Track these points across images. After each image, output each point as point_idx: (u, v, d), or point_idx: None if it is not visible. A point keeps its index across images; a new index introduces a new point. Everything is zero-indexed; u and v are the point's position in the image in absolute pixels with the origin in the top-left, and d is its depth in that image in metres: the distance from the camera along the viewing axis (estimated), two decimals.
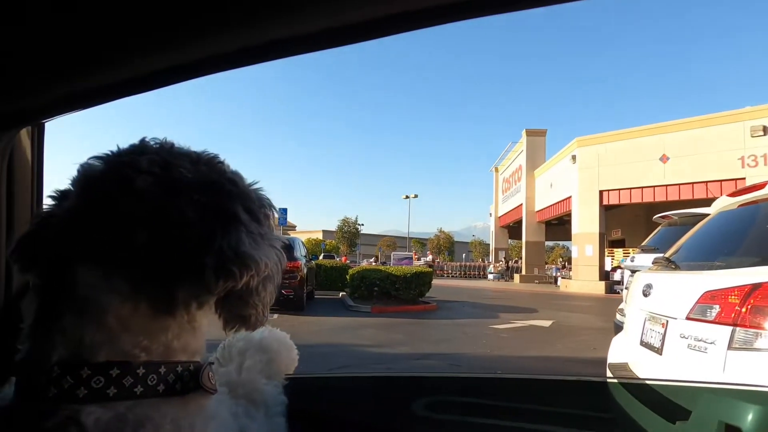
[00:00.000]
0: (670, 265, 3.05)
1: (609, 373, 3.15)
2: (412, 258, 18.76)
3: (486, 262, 40.71)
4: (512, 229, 36.56)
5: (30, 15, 0.63)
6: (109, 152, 0.64)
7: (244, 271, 0.59)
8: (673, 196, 18.76)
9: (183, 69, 0.74)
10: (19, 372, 0.60)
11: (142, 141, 0.65)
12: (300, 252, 12.03)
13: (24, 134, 1.03)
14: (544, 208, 28.01)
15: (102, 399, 0.56)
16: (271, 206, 0.68)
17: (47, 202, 0.66)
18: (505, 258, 36.89)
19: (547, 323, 10.09)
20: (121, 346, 0.58)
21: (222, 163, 0.67)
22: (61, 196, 0.64)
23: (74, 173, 0.64)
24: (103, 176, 0.60)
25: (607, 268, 21.72)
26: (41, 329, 0.59)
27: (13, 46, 0.71)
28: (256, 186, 0.68)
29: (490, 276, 32.14)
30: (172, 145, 0.66)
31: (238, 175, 0.68)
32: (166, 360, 0.62)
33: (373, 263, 24.50)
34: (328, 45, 0.68)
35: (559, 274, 27.93)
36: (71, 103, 0.86)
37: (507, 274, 33.13)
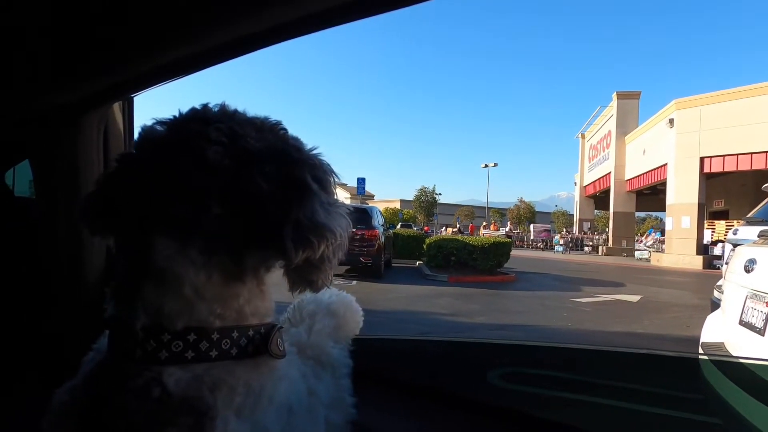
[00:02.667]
0: None
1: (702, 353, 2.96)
2: (549, 230, 18.33)
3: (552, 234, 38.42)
4: (599, 199, 34.58)
5: None
6: (172, 117, 0.66)
7: (322, 241, 0.61)
8: None
9: (259, 36, 0.77)
10: (108, 328, 0.66)
11: (205, 107, 0.67)
12: (378, 221, 12.24)
13: (116, 108, 1.14)
14: (635, 177, 26.12)
15: (181, 362, 0.60)
16: (333, 173, 0.69)
17: (113, 164, 0.68)
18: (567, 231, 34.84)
19: (635, 298, 9.56)
20: (197, 314, 0.62)
21: (285, 130, 0.68)
22: (127, 160, 0.67)
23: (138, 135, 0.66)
24: (173, 145, 0.62)
25: (707, 241, 20.00)
26: (124, 294, 0.62)
27: (105, 26, 0.77)
28: (316, 152, 0.68)
29: (558, 248, 29.79)
30: (236, 111, 0.67)
31: (300, 141, 0.69)
32: (238, 324, 0.65)
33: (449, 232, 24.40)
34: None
35: (649, 246, 26.02)
36: (156, 77, 0.92)
37: (572, 246, 30.66)
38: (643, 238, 28.63)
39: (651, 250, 24.97)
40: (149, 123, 0.66)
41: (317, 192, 0.63)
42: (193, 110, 0.66)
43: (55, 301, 1.15)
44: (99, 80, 0.94)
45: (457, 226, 36.04)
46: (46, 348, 1.15)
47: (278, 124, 0.68)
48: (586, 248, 27.38)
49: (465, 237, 13.62)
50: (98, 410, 0.59)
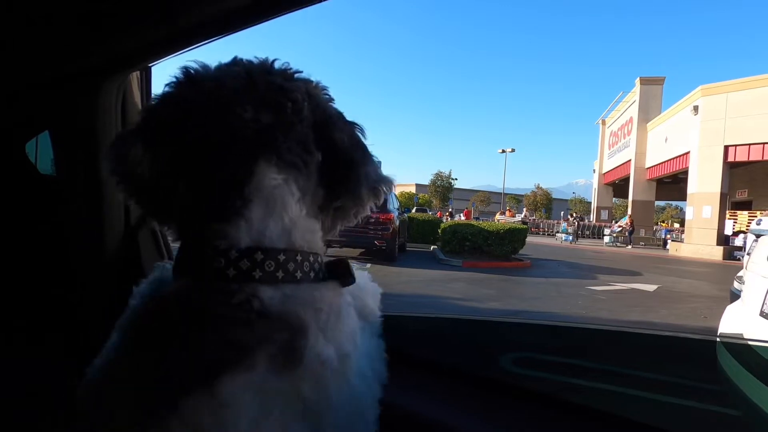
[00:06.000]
0: None
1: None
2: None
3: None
4: (618, 186, 34.06)
5: None
6: (255, 61, 0.72)
7: (385, 192, 0.76)
8: None
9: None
10: (189, 253, 0.69)
11: (270, 61, 0.72)
12: (393, 205, 12.23)
13: (134, 78, 1.14)
14: (656, 165, 25.66)
15: (273, 281, 0.64)
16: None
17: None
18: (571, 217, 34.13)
19: (651, 287, 9.45)
20: (291, 238, 0.67)
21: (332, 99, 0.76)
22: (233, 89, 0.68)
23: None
24: (271, 93, 0.68)
25: (728, 232, 19.62)
26: (224, 214, 0.65)
27: None
28: None
29: (563, 236, 26.99)
30: (298, 71, 0.73)
31: None
32: (313, 251, 0.71)
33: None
34: None
35: (669, 236, 25.58)
36: (175, 43, 0.92)
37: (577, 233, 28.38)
38: (613, 224, 27.74)
39: (614, 235, 24.99)
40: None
41: (372, 154, 0.76)
42: (261, 61, 0.72)
43: (75, 275, 1.17)
44: (118, 45, 0.93)
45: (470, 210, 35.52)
46: (68, 322, 1.17)
47: (326, 88, 0.76)
48: (606, 237, 25.73)
49: (480, 222, 13.55)
50: (187, 324, 0.61)
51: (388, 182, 0.77)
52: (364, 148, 0.75)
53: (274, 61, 0.72)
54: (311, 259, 0.70)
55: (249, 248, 0.64)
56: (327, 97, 0.74)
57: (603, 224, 30.72)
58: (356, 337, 0.73)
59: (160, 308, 0.65)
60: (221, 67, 0.70)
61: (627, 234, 25.08)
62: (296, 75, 0.72)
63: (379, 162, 0.79)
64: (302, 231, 0.69)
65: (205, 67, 0.70)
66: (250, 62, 0.71)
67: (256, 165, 0.65)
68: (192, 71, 0.70)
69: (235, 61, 0.71)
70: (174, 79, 0.70)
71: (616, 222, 28.47)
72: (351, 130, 0.74)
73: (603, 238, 25.98)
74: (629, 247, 23.76)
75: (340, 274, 0.73)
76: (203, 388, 0.57)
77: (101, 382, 0.66)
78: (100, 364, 0.69)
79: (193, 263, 0.67)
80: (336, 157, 0.71)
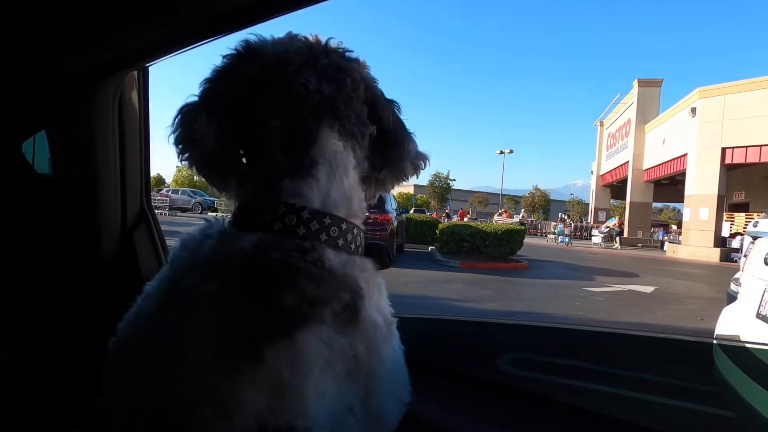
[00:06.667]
0: None
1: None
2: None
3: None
4: (615, 188, 34.07)
5: None
6: (311, 37, 0.76)
7: (421, 169, 0.82)
8: None
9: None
10: (256, 209, 0.70)
11: (326, 40, 0.76)
12: (391, 205, 12.22)
13: (131, 79, 1.13)
14: (654, 167, 25.65)
15: (334, 246, 0.68)
16: None
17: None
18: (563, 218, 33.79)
19: (648, 289, 9.46)
20: (351, 206, 0.73)
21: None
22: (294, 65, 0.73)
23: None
24: (331, 69, 0.73)
25: (725, 233, 19.65)
26: (293, 174, 0.69)
27: None
28: None
29: (559, 238, 25.93)
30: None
31: None
32: (359, 227, 0.75)
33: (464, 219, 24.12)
34: None
35: (666, 238, 25.57)
36: (171, 45, 0.92)
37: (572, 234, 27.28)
38: (602, 225, 27.73)
39: (602, 235, 24.96)
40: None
41: (410, 131, 0.82)
42: (318, 42, 0.77)
43: (72, 274, 1.17)
44: (116, 45, 0.93)
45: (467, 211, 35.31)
46: (65, 321, 1.17)
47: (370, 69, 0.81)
48: (594, 238, 25.72)
49: (478, 223, 13.53)
50: (268, 276, 0.63)
51: (426, 158, 0.82)
52: (404, 125, 0.81)
53: (329, 39, 0.76)
54: (361, 235, 0.75)
55: (319, 211, 0.68)
56: (373, 77, 0.79)
57: (594, 225, 30.69)
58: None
59: (239, 261, 0.65)
60: (280, 41, 0.74)
61: (615, 234, 25.12)
62: (347, 54, 0.77)
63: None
64: (358, 199, 0.75)
65: (263, 41, 0.74)
66: (307, 38, 0.76)
67: (320, 129, 0.70)
68: (251, 44, 0.74)
69: (292, 37, 0.75)
70: (234, 52, 0.73)
71: (603, 223, 28.47)
72: (393, 108, 0.80)
73: (591, 239, 26.03)
74: (616, 246, 23.80)
75: (380, 257, 0.79)
76: (285, 339, 0.60)
77: (161, 334, 0.66)
78: (147, 315, 0.71)
79: (262, 218, 0.68)
80: (384, 133, 0.77)
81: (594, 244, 24.88)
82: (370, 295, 0.68)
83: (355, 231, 0.73)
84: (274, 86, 0.70)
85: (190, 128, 0.70)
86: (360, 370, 0.65)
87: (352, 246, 0.71)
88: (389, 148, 0.78)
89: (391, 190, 0.88)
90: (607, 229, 25.83)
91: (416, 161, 0.81)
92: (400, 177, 0.82)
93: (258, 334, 0.60)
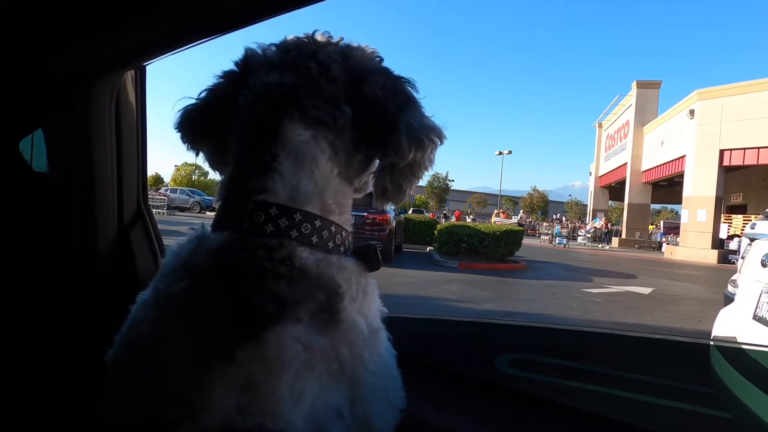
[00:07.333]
0: None
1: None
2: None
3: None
4: (614, 189, 34.11)
5: None
6: (287, 40, 0.74)
7: (429, 142, 0.69)
8: None
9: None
10: (228, 207, 0.70)
11: (311, 33, 0.74)
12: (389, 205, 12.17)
13: (128, 80, 1.13)
14: (652, 168, 25.69)
15: (307, 243, 0.66)
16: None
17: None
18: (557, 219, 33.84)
19: (646, 290, 9.47)
20: (324, 200, 0.69)
21: (381, 58, 0.76)
22: (260, 63, 0.73)
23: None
24: (298, 59, 0.70)
25: (723, 235, 19.69)
26: (258, 169, 0.67)
27: None
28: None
29: (556, 240, 25.34)
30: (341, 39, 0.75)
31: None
32: (343, 227, 0.72)
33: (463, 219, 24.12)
34: None
35: (664, 239, 25.58)
36: (168, 45, 0.92)
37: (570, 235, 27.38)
38: (587, 226, 27.89)
39: (588, 235, 25.31)
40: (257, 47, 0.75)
41: (419, 101, 0.72)
42: (305, 37, 0.75)
43: (68, 272, 1.16)
44: (112, 44, 0.93)
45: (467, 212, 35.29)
46: (62, 320, 1.17)
47: (375, 51, 0.76)
48: (579, 238, 25.92)
49: (476, 224, 13.53)
50: (233, 277, 0.62)
51: (434, 130, 0.70)
52: (403, 97, 0.70)
53: (314, 32, 0.74)
54: (343, 234, 0.71)
55: (287, 207, 0.65)
56: (371, 56, 0.75)
57: (581, 226, 30.97)
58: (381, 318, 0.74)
59: (205, 262, 0.65)
60: (274, 47, 0.75)
61: (603, 234, 25.28)
62: (334, 41, 0.74)
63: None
64: (334, 191, 0.70)
65: (265, 48, 0.75)
66: (297, 38, 0.74)
67: (281, 122, 0.67)
68: (248, 51, 0.75)
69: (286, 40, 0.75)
70: (235, 60, 0.76)
71: (586, 224, 28.64)
72: (387, 81, 0.70)
73: (577, 239, 26.27)
74: (602, 246, 24.03)
75: (368, 258, 0.73)
76: (254, 339, 0.59)
77: (148, 339, 0.66)
78: (137, 323, 0.70)
79: (232, 217, 0.68)
80: (369, 110, 0.68)
81: (579, 244, 25.11)
82: (352, 296, 0.66)
83: (333, 228, 0.69)
84: (247, 89, 0.71)
85: (185, 115, 0.75)
86: (343, 372, 0.64)
87: (330, 244, 0.68)
88: (380, 124, 0.68)
89: (412, 175, 0.73)
90: (593, 229, 26.00)
91: (418, 136, 0.68)
92: (401, 157, 0.69)
93: (225, 334, 0.60)
